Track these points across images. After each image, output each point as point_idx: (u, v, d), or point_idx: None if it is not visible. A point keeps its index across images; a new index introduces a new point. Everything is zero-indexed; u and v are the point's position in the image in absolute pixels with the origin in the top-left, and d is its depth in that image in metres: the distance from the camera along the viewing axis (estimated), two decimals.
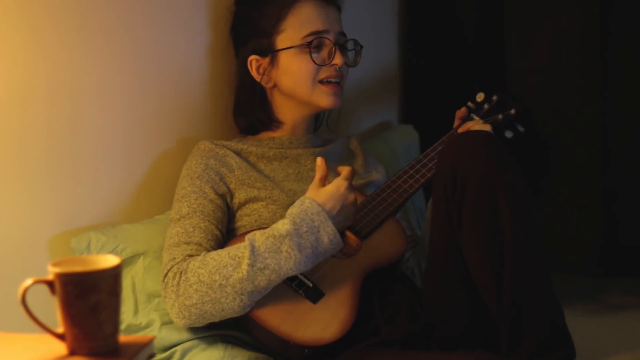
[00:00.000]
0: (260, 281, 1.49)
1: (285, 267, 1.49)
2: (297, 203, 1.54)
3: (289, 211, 1.54)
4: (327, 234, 1.51)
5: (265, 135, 1.87)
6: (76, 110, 1.66)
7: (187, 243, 1.59)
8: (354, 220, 1.58)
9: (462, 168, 1.52)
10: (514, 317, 1.46)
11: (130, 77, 1.77)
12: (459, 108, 1.90)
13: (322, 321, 1.54)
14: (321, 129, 2.00)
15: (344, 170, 1.60)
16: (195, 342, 1.58)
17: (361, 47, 1.87)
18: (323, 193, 1.55)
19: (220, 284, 1.49)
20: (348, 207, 1.55)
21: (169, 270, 1.55)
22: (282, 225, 1.52)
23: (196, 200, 1.66)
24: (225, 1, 1.91)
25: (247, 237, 1.53)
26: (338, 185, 1.56)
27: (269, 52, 1.80)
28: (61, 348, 1.10)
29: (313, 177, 1.79)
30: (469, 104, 1.91)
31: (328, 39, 1.78)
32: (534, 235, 1.50)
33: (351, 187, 1.57)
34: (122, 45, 1.74)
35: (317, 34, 1.77)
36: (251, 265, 1.48)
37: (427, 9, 2.48)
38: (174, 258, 1.57)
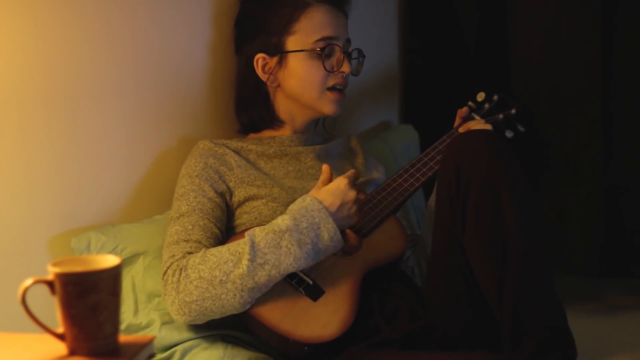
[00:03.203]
0: (261, 277, 1.49)
1: (285, 262, 1.50)
2: (298, 200, 1.55)
3: (289, 207, 1.55)
4: (328, 230, 1.51)
5: (267, 134, 1.87)
6: (76, 109, 1.66)
7: (187, 241, 1.59)
8: (357, 219, 1.58)
9: (466, 168, 1.52)
10: (516, 318, 1.46)
11: (131, 77, 1.77)
12: (459, 108, 1.90)
13: (322, 319, 1.53)
14: (320, 129, 1.99)
15: (348, 171, 1.61)
16: (195, 341, 1.58)
17: (364, 57, 1.88)
18: (323, 191, 1.56)
19: (221, 280, 1.49)
20: (349, 204, 1.55)
21: (168, 268, 1.55)
22: (282, 221, 1.52)
23: (195, 198, 1.66)
24: None
25: (247, 233, 1.53)
26: (338, 182, 1.56)
27: (278, 52, 1.80)
28: (61, 348, 1.10)
29: (313, 175, 1.80)
30: (470, 103, 1.91)
31: (338, 45, 1.79)
32: (537, 236, 1.50)
33: (352, 185, 1.57)
34: (123, 46, 1.74)
35: (328, 39, 1.78)
36: (251, 261, 1.48)
37: (427, 9, 2.48)
38: (174, 255, 1.57)
